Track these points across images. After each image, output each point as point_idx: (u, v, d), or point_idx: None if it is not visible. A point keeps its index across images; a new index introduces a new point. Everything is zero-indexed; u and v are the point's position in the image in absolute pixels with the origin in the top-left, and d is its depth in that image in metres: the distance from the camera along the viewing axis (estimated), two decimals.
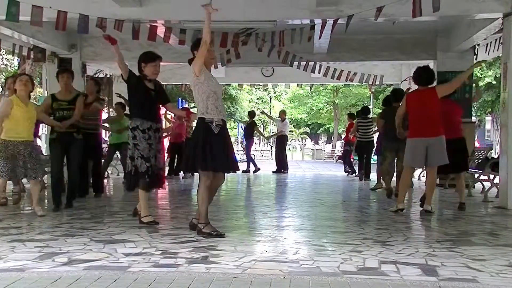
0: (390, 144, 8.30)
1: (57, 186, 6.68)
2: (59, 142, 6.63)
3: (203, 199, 4.75)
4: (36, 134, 9.45)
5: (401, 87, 13.86)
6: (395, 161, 8.51)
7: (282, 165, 14.67)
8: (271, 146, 30.86)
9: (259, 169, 14.88)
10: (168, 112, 11.18)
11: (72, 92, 6.84)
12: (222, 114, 4.82)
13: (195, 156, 4.73)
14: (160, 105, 5.69)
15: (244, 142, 15.11)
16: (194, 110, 7.03)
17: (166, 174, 6.81)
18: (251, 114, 15.38)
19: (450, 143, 6.41)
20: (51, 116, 6.68)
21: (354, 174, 13.49)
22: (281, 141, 15.05)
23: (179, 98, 19.51)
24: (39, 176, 6.13)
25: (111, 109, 15.22)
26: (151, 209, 5.94)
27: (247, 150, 15.48)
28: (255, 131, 15.19)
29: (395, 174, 8.66)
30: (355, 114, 13.64)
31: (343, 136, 32.28)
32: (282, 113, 15.92)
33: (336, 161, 25.28)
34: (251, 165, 14.96)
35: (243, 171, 13.88)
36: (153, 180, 5.40)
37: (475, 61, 10.99)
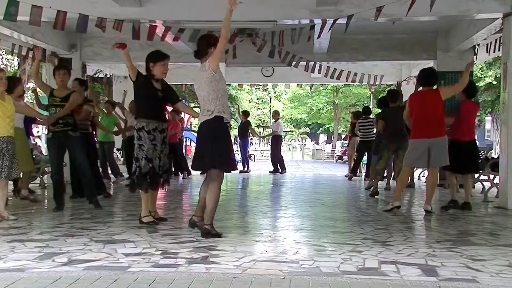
0: (390, 144, 8.31)
1: (58, 185, 6.62)
2: (55, 141, 6.55)
3: (216, 199, 4.67)
4: (32, 134, 9.47)
5: (401, 87, 13.83)
6: (396, 160, 8.50)
7: (278, 165, 14.61)
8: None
9: (249, 171, 14.83)
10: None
11: (67, 89, 6.78)
12: (229, 113, 4.87)
13: (222, 155, 4.64)
14: (169, 105, 5.65)
15: (240, 141, 15.02)
16: (194, 110, 7.00)
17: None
18: (246, 113, 15.25)
19: (467, 145, 6.75)
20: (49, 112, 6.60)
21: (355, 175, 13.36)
22: (275, 142, 14.97)
23: (179, 98, 19.47)
24: (12, 176, 5.93)
25: None
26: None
27: (244, 150, 15.41)
28: (250, 131, 15.13)
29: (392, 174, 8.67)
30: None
31: (343, 136, 32.39)
32: (275, 113, 15.87)
33: (336, 161, 25.26)
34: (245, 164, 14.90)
35: (240, 171, 13.86)
36: (152, 182, 5.34)
37: (475, 61, 11.02)
